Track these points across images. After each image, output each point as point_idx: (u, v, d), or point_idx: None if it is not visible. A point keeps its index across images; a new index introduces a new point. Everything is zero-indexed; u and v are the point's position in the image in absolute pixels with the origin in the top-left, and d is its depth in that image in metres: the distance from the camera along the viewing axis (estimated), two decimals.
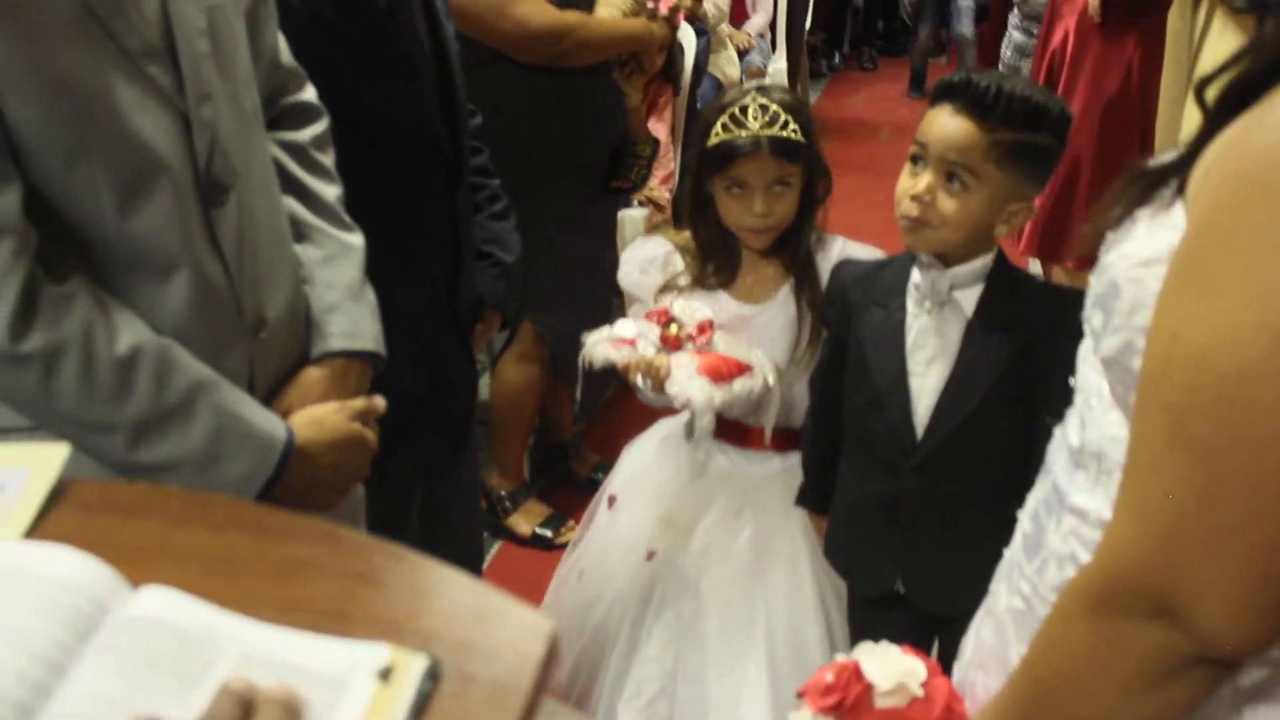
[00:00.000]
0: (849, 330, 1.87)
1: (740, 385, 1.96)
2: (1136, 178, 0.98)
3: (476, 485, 2.64)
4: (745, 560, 2.10)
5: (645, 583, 2.17)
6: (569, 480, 3.32)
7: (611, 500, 2.29)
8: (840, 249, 2.07)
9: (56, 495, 0.77)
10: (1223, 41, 2.96)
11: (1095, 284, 1.01)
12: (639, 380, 1.98)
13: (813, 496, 2.04)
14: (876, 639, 1.95)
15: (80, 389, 1.17)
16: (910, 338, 1.78)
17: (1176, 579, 0.84)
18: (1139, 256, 0.93)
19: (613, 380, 2.54)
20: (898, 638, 1.96)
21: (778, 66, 5.72)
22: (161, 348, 1.23)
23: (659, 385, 1.96)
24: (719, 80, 5.02)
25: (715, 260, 2.09)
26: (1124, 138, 3.36)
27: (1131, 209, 0.97)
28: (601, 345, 2.02)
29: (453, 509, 2.24)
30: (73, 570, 0.67)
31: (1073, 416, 1.09)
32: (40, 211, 1.16)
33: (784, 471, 2.12)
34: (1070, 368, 1.79)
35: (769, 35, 5.77)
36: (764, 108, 1.97)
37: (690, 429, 2.17)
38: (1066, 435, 1.09)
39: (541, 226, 2.49)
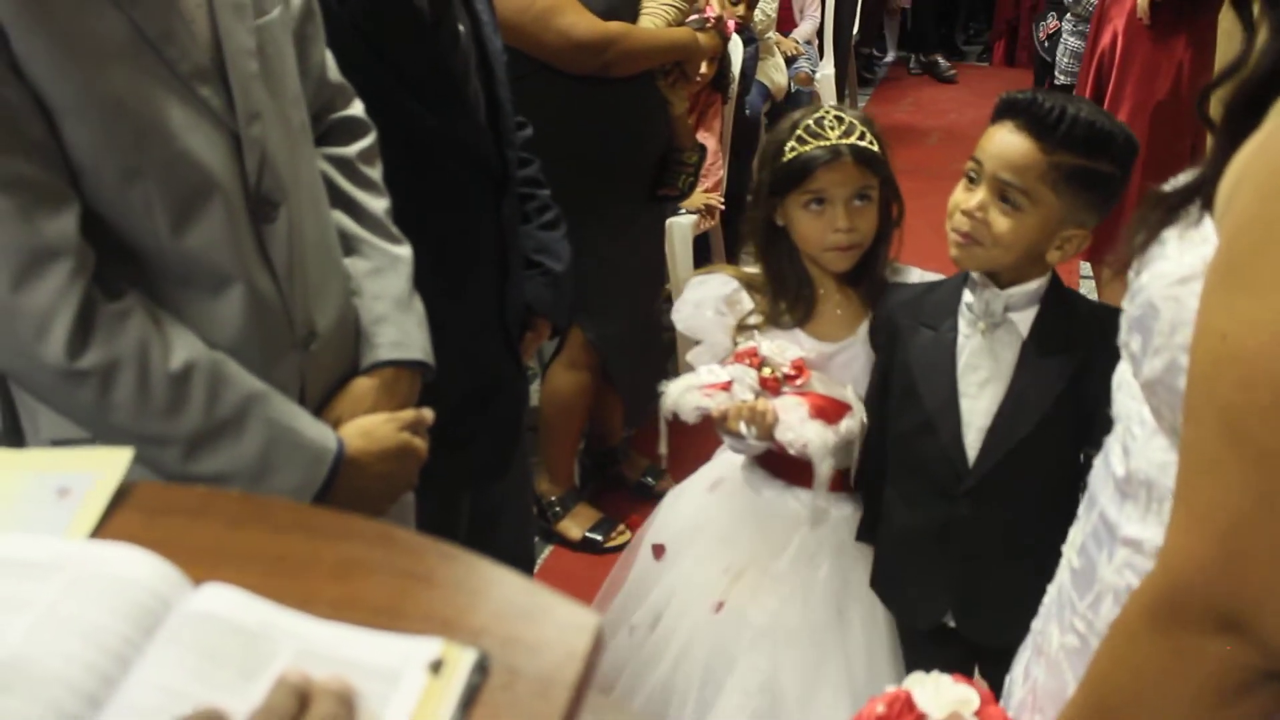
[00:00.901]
0: (894, 355, 1.82)
1: (846, 426, 1.87)
2: (1157, 202, 0.97)
3: (528, 491, 2.66)
4: (822, 606, 1.98)
5: (714, 637, 2.02)
6: (619, 485, 3.34)
7: (659, 551, 2.17)
8: (919, 280, 1.98)
9: (121, 497, 0.80)
10: None
11: (1130, 308, 0.98)
12: (742, 428, 1.84)
13: (872, 529, 1.97)
14: (926, 668, 1.95)
15: (135, 404, 1.20)
16: (962, 359, 1.73)
17: (1240, 588, 0.80)
18: (1174, 275, 0.91)
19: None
20: (938, 662, 1.95)
21: (826, 73, 5.71)
22: (214, 362, 1.25)
23: (767, 432, 1.84)
24: (767, 88, 5.03)
25: (789, 297, 1.97)
26: (1174, 140, 3.33)
27: (1157, 232, 0.95)
28: (691, 394, 1.91)
29: (503, 514, 2.26)
30: (137, 568, 0.69)
31: (1114, 445, 1.05)
32: (96, 230, 1.19)
33: (858, 512, 2.02)
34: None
35: (816, 42, 5.77)
36: (839, 119, 1.90)
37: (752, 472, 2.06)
38: (1110, 465, 1.05)
39: (588, 233, 2.52)
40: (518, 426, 2.21)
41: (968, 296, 1.74)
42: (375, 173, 1.56)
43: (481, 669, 0.66)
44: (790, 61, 5.31)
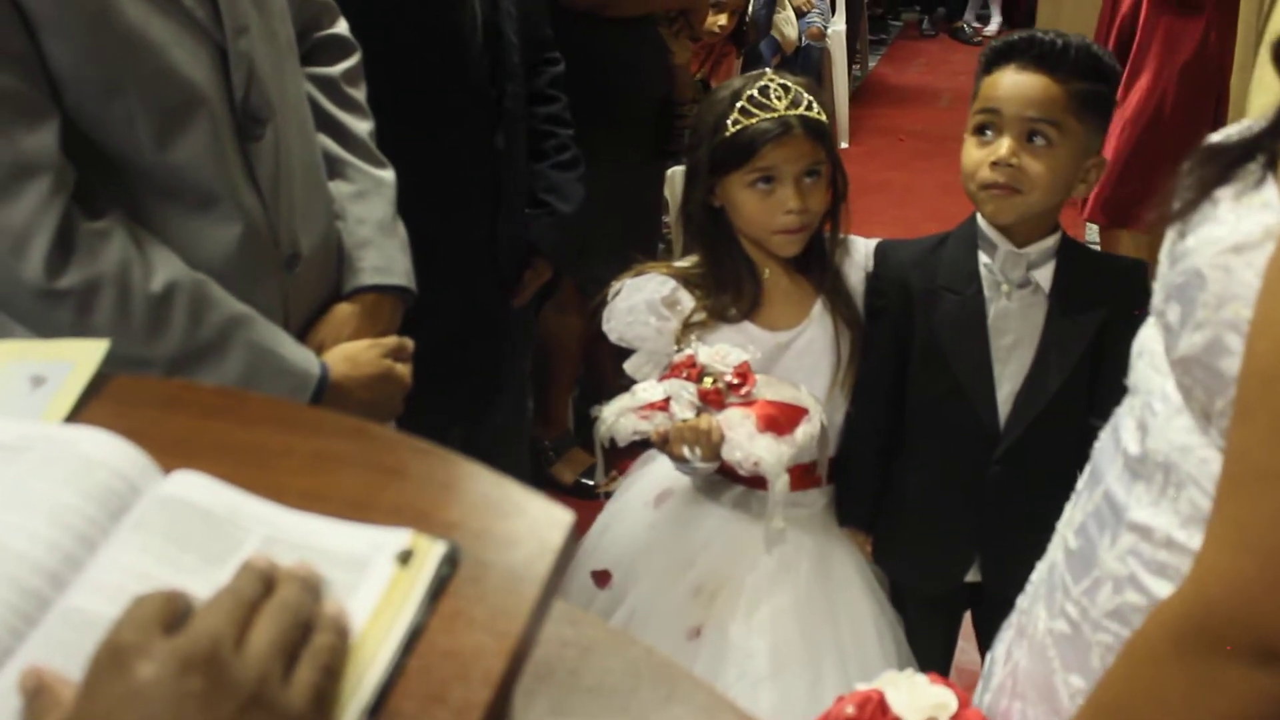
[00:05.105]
0: (911, 319, 1.76)
1: (803, 433, 1.70)
2: (1210, 156, 0.86)
3: (524, 433, 2.65)
4: (811, 612, 1.82)
5: (693, 667, 1.76)
6: None
7: (603, 579, 1.95)
8: (865, 249, 1.86)
9: (95, 388, 0.79)
10: None
11: (1170, 273, 0.87)
12: (685, 451, 1.68)
13: (863, 513, 1.89)
14: (932, 634, 1.93)
15: (115, 325, 1.18)
16: (990, 323, 1.70)
17: None
18: (1226, 241, 0.81)
19: None
20: (946, 624, 1.95)
21: (837, 29, 5.67)
22: (197, 284, 1.23)
23: (713, 452, 1.67)
24: (777, 41, 4.99)
25: (732, 288, 1.80)
26: (1201, 98, 3.30)
27: (1208, 190, 0.84)
28: (627, 417, 1.72)
29: (496, 456, 2.25)
30: (107, 451, 0.68)
31: (1127, 419, 0.96)
32: (79, 145, 1.17)
33: (828, 506, 1.90)
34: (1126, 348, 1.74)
35: None
36: (785, 87, 1.74)
37: (697, 481, 1.89)
38: (1121, 440, 0.96)
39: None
40: (504, 363, 2.19)
41: (984, 259, 1.70)
42: (359, 94, 1.53)
43: (451, 561, 0.65)
44: (801, 15, 5.27)
